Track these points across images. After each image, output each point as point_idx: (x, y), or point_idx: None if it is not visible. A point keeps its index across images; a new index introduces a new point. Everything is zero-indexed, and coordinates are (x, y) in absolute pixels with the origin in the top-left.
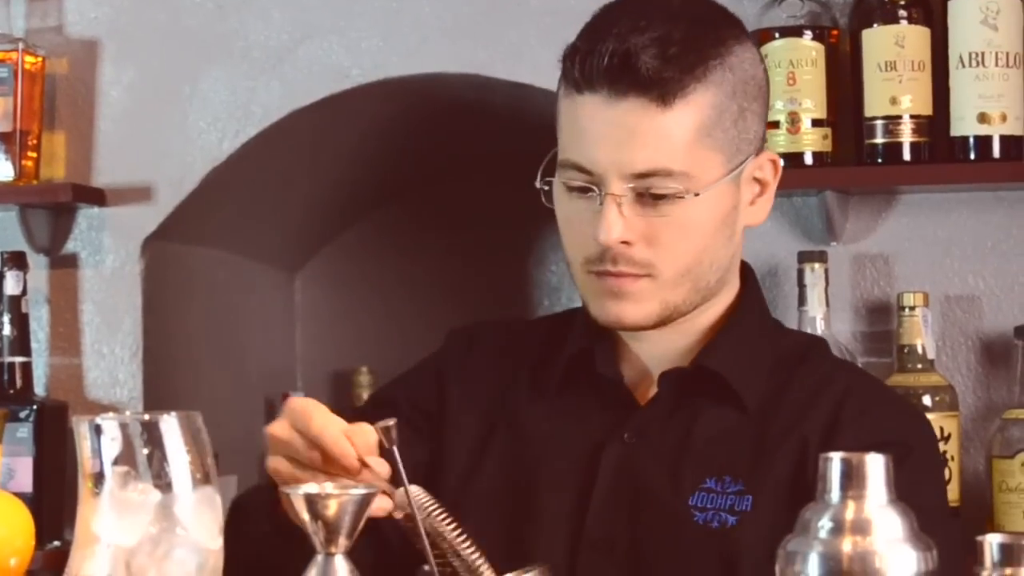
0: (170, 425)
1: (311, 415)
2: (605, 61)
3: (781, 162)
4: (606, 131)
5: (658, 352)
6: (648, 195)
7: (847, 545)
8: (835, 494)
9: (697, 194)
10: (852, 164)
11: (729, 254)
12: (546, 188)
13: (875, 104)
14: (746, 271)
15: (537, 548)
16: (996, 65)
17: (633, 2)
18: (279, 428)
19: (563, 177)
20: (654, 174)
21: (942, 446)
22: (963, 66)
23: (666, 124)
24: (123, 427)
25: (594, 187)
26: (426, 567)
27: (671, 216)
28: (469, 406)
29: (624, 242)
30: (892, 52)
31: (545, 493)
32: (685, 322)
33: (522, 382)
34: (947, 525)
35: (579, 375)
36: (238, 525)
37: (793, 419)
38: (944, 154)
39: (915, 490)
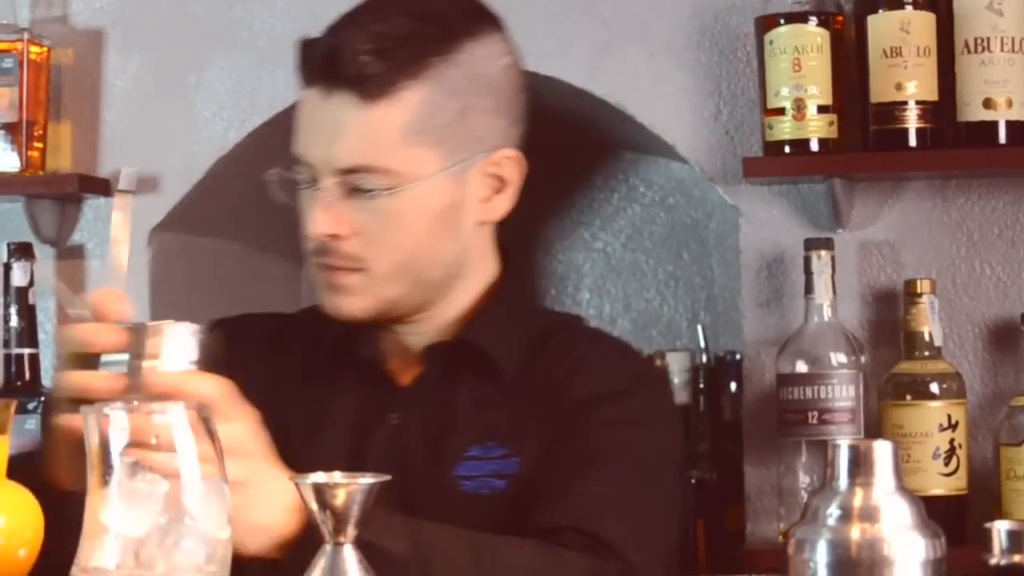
0: (178, 415)
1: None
2: (319, 56)
3: (524, 160)
4: (318, 126)
5: (419, 336)
6: (356, 190)
7: (855, 532)
8: (843, 481)
9: (400, 189)
10: (858, 150)
11: (455, 250)
12: (274, 179)
13: (881, 90)
14: (507, 256)
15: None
16: (1002, 50)
17: None
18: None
19: (293, 170)
20: (357, 170)
21: (950, 434)
22: (968, 51)
23: (370, 121)
24: (131, 417)
25: (312, 181)
26: None
27: (378, 211)
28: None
29: (333, 236)
30: (897, 38)
31: None
32: (430, 316)
33: (289, 373)
34: (646, 485)
35: (344, 361)
36: None
37: (545, 383)
38: (950, 140)
39: (617, 431)
